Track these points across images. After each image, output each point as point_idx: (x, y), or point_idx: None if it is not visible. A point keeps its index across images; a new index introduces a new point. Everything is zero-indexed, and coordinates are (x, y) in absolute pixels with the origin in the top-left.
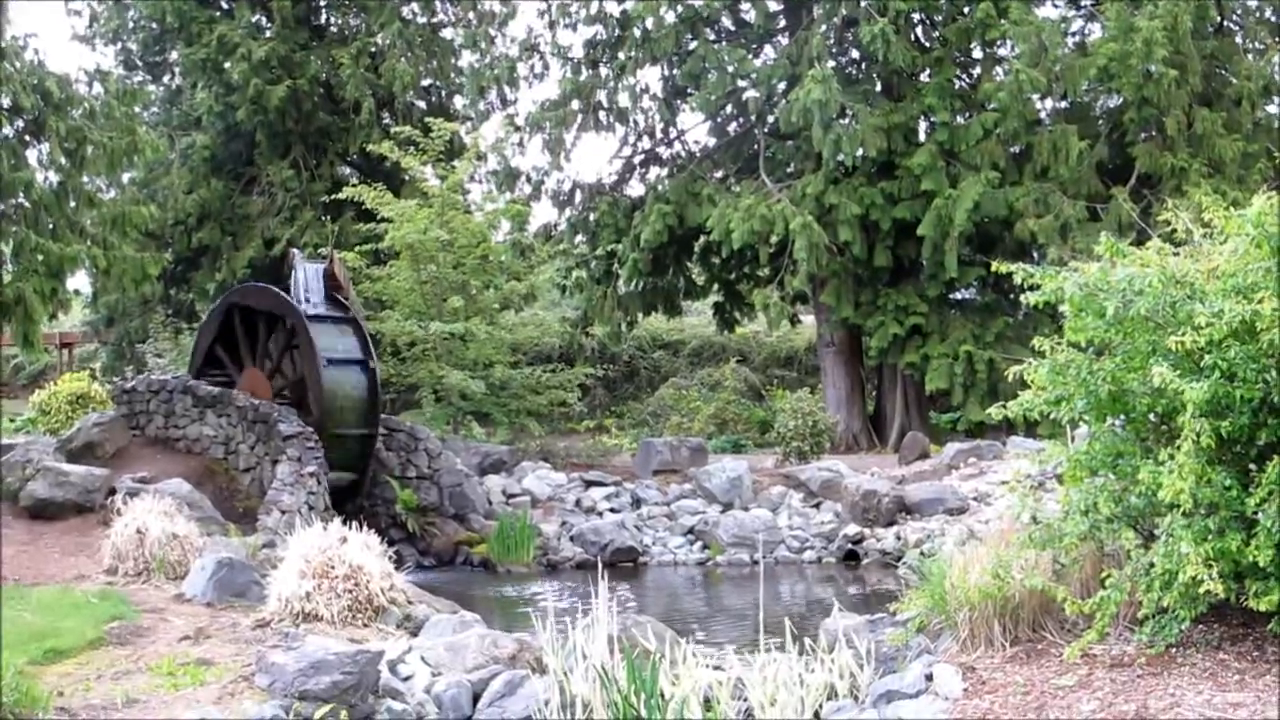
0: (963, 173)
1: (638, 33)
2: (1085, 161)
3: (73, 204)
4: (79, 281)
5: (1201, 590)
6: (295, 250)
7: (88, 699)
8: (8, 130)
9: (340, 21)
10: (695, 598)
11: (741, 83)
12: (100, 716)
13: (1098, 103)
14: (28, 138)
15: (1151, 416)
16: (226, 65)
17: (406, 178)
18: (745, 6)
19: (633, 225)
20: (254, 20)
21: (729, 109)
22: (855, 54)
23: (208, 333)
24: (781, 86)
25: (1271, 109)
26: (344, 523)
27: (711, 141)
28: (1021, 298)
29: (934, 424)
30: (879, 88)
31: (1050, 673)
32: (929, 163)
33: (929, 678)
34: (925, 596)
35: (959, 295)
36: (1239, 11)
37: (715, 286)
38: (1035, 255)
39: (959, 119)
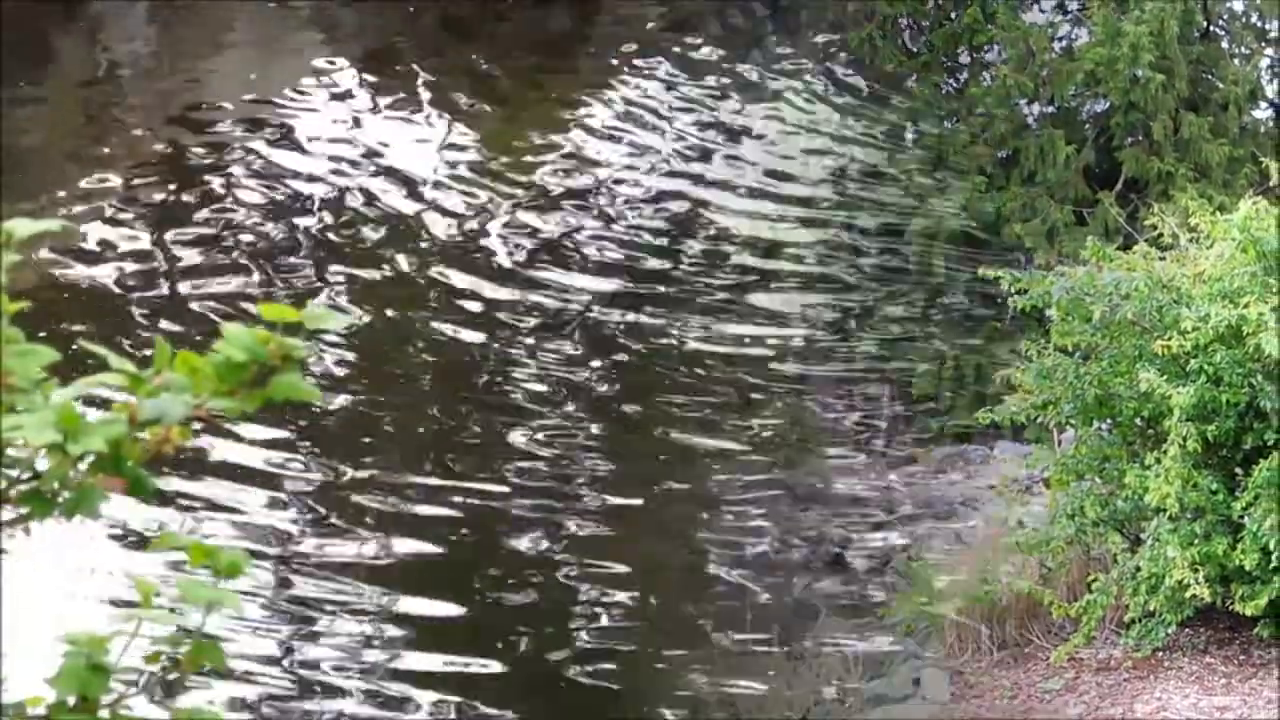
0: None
1: None
2: (1072, 166)
3: None
4: None
5: (1188, 594)
6: None
7: None
8: None
9: None
10: None
11: None
12: None
13: (1085, 107)
14: None
15: (1138, 420)
16: None
17: None
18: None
19: None
20: None
21: None
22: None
23: None
24: None
25: (1258, 114)
26: None
27: None
28: (1009, 302)
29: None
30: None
31: (1037, 676)
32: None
33: (916, 682)
34: (912, 601)
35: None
36: (1225, 16)
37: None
38: (1022, 259)
39: (946, 124)
